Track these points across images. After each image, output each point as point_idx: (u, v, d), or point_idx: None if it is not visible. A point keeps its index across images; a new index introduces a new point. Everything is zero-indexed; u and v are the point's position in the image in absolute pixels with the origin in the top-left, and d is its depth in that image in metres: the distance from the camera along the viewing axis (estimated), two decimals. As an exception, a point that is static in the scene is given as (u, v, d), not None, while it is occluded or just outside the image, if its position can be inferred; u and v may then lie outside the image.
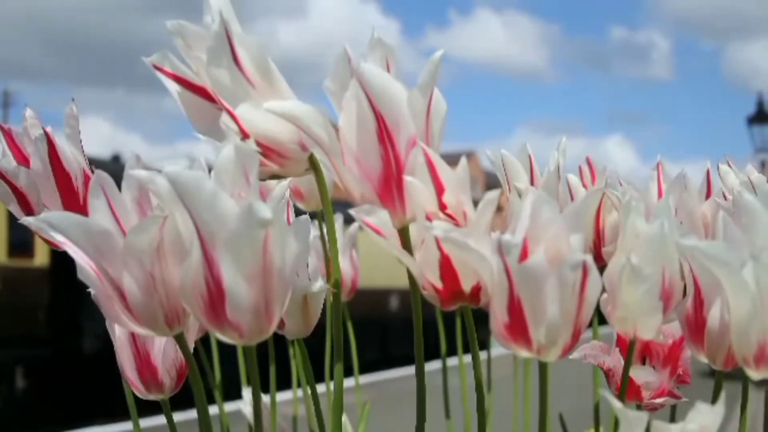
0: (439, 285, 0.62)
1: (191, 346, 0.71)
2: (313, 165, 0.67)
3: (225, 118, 0.63)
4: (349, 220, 1.22)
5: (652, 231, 0.65)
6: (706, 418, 0.53)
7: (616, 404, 0.53)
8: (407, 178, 0.60)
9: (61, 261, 9.29)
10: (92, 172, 0.82)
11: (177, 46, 0.65)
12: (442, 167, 0.61)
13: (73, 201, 0.84)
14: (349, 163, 0.61)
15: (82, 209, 0.83)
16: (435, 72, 0.61)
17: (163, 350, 0.76)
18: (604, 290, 0.69)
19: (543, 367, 0.57)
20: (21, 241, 9.44)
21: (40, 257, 9.76)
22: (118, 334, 0.76)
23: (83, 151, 0.85)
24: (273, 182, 0.76)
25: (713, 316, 0.67)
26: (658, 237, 0.65)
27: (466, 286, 0.62)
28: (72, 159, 0.84)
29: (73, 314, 9.81)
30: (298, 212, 0.93)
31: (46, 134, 0.82)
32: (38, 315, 9.80)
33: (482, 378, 0.68)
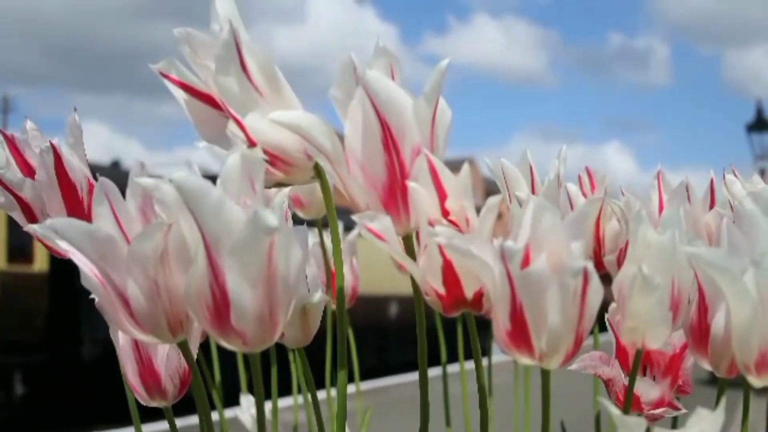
0: (442, 291, 0.62)
1: (194, 353, 0.71)
2: (318, 173, 0.67)
3: (232, 126, 0.63)
4: (348, 228, 1.22)
5: (662, 241, 0.65)
6: (707, 424, 0.53)
7: (614, 411, 0.54)
8: (410, 184, 0.61)
9: (61, 267, 9.29)
10: (94, 179, 0.82)
11: (183, 54, 0.65)
12: (444, 174, 0.61)
13: (78, 210, 0.84)
14: (354, 171, 0.62)
15: (86, 218, 0.83)
16: (441, 80, 0.61)
17: (166, 357, 0.76)
18: (612, 300, 0.69)
19: (545, 375, 0.57)
20: (20, 246, 9.44)
21: (40, 263, 9.76)
22: (122, 341, 0.76)
23: (86, 160, 0.85)
24: (273, 190, 0.76)
25: (717, 322, 0.67)
26: (669, 247, 0.65)
27: (469, 292, 0.62)
28: (77, 169, 0.84)
29: (72, 320, 9.80)
30: (298, 221, 0.94)
31: (53, 146, 0.82)
32: (37, 321, 9.79)
33: (485, 383, 0.68)
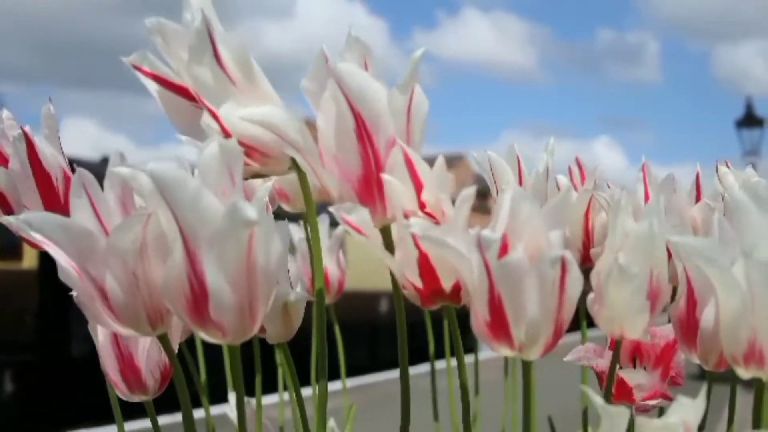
0: (419, 284, 0.61)
1: (175, 347, 0.70)
2: (296, 164, 0.66)
3: (206, 117, 0.63)
4: (336, 222, 1.21)
5: (640, 230, 0.65)
6: (688, 412, 0.53)
7: (598, 400, 0.53)
8: (385, 177, 0.60)
9: (50, 264, 9.24)
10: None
11: (157, 45, 0.64)
12: (420, 166, 0.60)
13: (54, 201, 0.83)
14: (329, 163, 0.61)
15: (62, 209, 0.82)
16: (415, 70, 0.61)
17: (146, 351, 0.75)
18: (591, 290, 0.68)
19: (526, 366, 0.56)
20: (9, 243, 9.39)
21: (29, 260, 9.71)
22: (101, 335, 0.75)
23: (62, 151, 0.84)
24: (257, 181, 0.75)
25: (706, 316, 0.67)
26: (647, 236, 0.65)
27: (446, 284, 0.61)
28: (51, 159, 0.83)
29: (62, 318, 9.76)
30: (285, 214, 0.93)
31: (25, 134, 0.81)
32: (26, 318, 9.75)
33: (467, 382, 0.67)
